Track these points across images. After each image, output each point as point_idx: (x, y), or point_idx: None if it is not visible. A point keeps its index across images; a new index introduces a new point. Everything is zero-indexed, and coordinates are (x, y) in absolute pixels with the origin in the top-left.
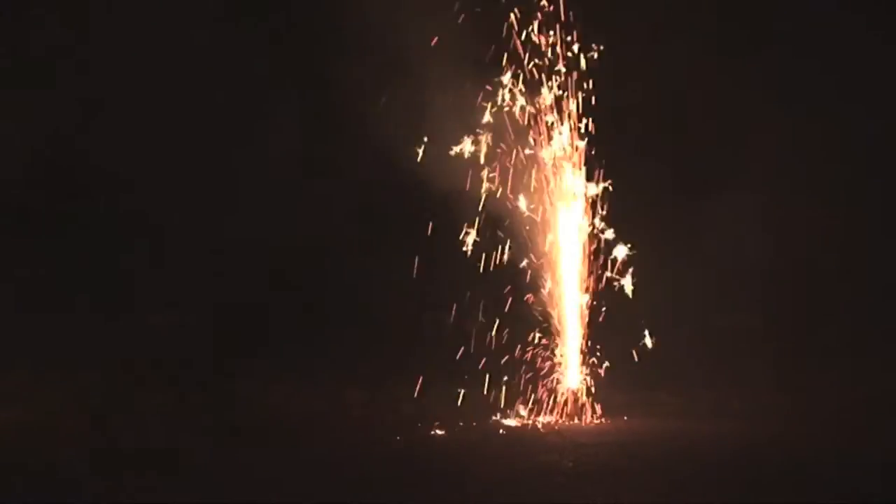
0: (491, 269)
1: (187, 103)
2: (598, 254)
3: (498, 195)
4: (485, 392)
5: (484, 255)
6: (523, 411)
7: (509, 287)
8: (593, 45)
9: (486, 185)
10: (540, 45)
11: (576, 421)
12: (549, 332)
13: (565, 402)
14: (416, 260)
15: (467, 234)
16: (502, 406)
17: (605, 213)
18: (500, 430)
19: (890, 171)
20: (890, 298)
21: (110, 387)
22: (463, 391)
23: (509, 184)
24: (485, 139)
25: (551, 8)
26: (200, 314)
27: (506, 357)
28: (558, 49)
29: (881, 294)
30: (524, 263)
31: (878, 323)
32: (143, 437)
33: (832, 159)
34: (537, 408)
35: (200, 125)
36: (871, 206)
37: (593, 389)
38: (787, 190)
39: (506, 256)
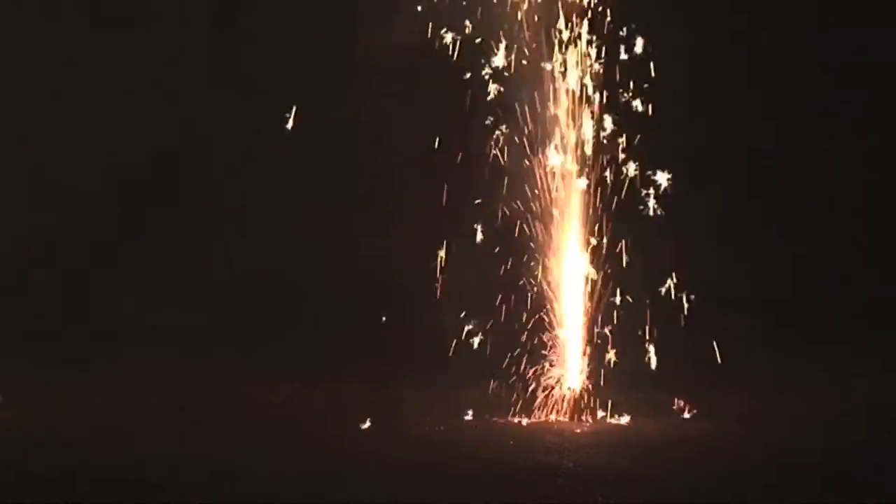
0: None
1: None
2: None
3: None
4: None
5: None
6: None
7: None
8: None
9: None
10: None
11: (576, 421)
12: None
13: (565, 401)
14: None
15: None
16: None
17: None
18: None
19: (889, 174)
20: (890, 298)
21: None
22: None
23: None
24: None
25: None
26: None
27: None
28: None
29: (882, 294)
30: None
31: (879, 323)
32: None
33: (830, 157)
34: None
35: None
36: (872, 205)
37: (594, 388)
38: (788, 188)
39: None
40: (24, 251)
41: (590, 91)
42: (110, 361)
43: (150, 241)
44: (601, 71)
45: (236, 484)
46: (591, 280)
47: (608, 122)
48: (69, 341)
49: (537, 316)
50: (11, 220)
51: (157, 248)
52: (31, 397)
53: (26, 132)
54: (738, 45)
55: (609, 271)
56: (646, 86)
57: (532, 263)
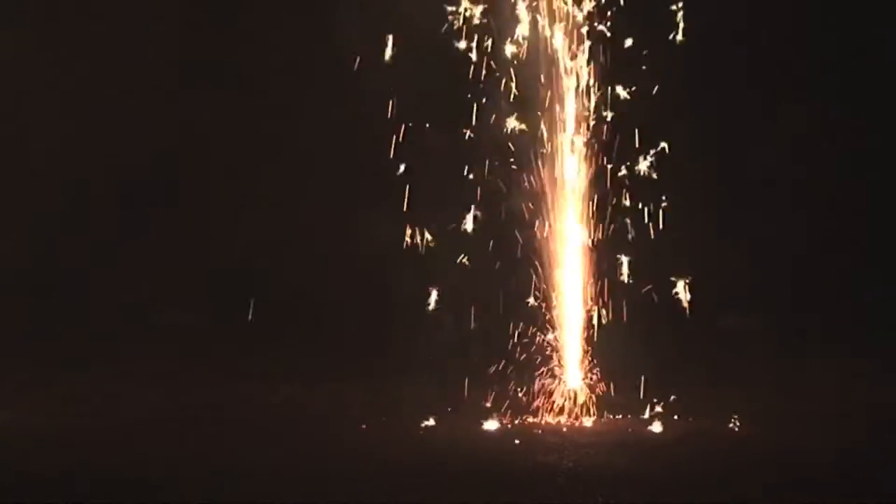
0: None
1: None
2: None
3: None
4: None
5: None
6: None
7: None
8: None
9: None
10: None
11: (576, 422)
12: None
13: (565, 402)
14: None
15: None
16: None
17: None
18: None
19: (889, 172)
20: (890, 298)
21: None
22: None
23: None
24: None
25: None
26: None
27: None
28: None
29: (882, 294)
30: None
31: (880, 323)
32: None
33: (830, 157)
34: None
35: None
36: (872, 205)
37: (594, 389)
38: (788, 188)
39: None
40: (24, 251)
41: (591, 82)
42: (110, 361)
43: (150, 241)
44: (607, 63)
45: (236, 484)
46: (591, 280)
47: (607, 121)
48: (69, 341)
49: (537, 317)
50: (12, 219)
51: (157, 248)
52: (31, 397)
53: (26, 132)
54: (738, 45)
55: (609, 271)
56: (643, 82)
57: (532, 260)
